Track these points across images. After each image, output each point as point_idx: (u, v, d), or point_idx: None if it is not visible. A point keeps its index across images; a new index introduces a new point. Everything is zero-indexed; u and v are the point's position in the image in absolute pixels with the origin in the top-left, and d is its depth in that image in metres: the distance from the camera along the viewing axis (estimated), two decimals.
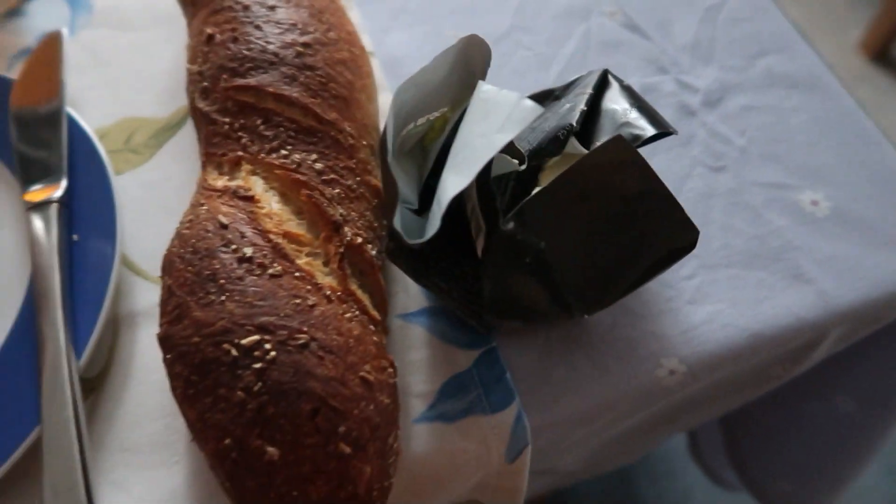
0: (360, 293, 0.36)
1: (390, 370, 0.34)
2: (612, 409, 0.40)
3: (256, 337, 0.32)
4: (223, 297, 0.33)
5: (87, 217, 0.42)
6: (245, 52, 0.40)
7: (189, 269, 0.34)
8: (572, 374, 0.39)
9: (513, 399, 0.38)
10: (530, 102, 0.31)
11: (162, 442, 0.38)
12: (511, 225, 0.30)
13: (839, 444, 0.59)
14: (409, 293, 0.41)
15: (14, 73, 0.48)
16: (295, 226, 0.36)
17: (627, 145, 0.31)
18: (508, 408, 0.38)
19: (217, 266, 0.34)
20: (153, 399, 0.39)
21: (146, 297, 0.42)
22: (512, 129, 0.30)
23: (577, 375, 0.39)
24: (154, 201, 0.45)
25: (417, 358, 0.39)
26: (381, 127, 0.44)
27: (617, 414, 0.41)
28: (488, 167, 0.33)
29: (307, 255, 0.35)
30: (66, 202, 0.42)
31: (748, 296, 0.41)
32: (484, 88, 0.33)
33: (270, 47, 0.40)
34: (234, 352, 0.31)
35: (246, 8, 0.42)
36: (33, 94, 0.47)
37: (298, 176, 0.37)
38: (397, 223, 0.31)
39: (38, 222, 0.41)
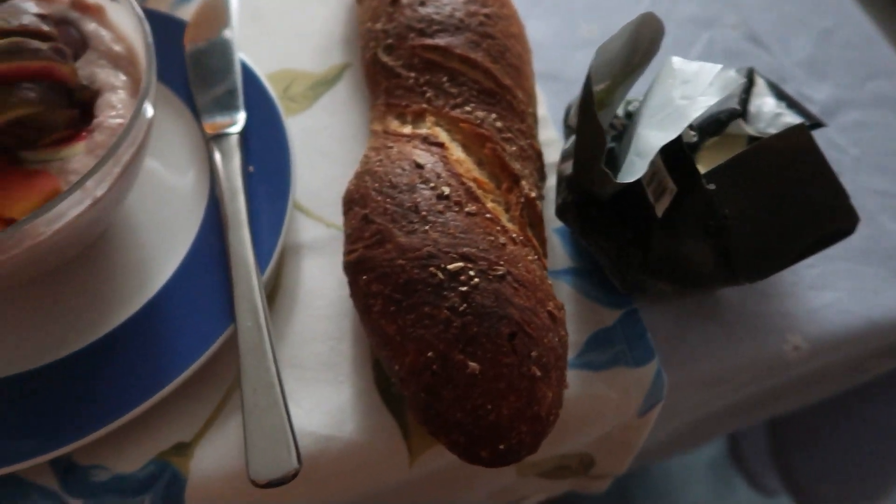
0: (535, 241, 0.39)
1: (563, 310, 0.38)
2: (737, 376, 0.43)
3: (461, 264, 0.35)
4: (426, 227, 0.36)
5: (261, 151, 0.45)
6: (434, 16, 0.44)
7: (389, 201, 0.37)
8: (705, 340, 0.42)
9: (653, 356, 0.41)
10: (732, 72, 0.35)
11: (328, 362, 0.40)
12: (712, 186, 0.34)
13: (891, 450, 0.63)
14: (555, 252, 0.45)
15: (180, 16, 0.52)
16: (478, 174, 0.40)
17: (807, 133, 0.35)
18: (649, 363, 0.41)
19: (418, 199, 0.37)
20: (319, 324, 0.42)
21: (308, 231, 0.45)
22: (715, 93, 0.34)
23: (709, 341, 0.42)
24: (312, 146, 0.48)
25: (566, 312, 0.42)
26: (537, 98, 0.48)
27: (739, 382, 0.44)
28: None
29: (491, 201, 0.39)
30: (243, 135, 0.45)
31: (865, 286, 0.44)
32: (676, 60, 0.37)
33: (457, 14, 0.44)
34: (440, 275, 0.35)
35: None
36: (206, 34, 0.50)
37: (483, 131, 0.41)
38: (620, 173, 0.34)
39: (219, 151, 0.44)
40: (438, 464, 0.40)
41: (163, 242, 0.42)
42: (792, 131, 0.35)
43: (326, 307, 0.42)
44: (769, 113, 0.42)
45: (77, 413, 0.36)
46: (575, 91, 0.51)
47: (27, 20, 0.35)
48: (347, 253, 0.38)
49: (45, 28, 0.35)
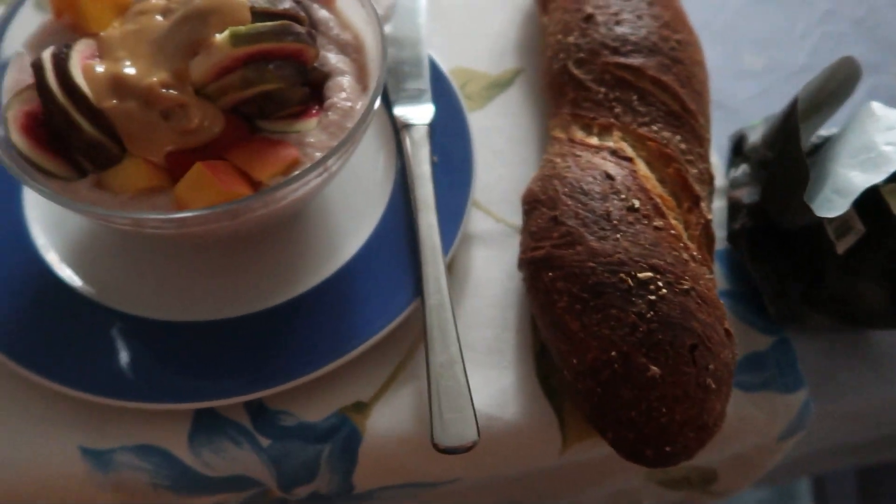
0: (711, 262, 0.41)
1: (731, 329, 0.40)
2: (879, 416, 0.44)
3: (650, 274, 0.37)
4: (618, 235, 0.39)
5: (445, 143, 0.48)
6: (629, 37, 0.46)
7: (580, 206, 0.40)
8: (856, 378, 0.44)
9: (803, 385, 0.43)
10: None
11: (494, 348, 0.43)
12: None
13: None
14: (714, 274, 0.47)
15: None
16: (662, 191, 0.42)
17: None
18: (798, 391, 0.43)
19: (610, 208, 0.40)
20: (486, 311, 0.45)
21: (479, 223, 0.48)
22: None
23: (859, 379, 0.44)
24: (484, 144, 0.51)
25: None
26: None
27: (878, 421, 0.45)
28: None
29: (673, 219, 0.41)
30: (431, 127, 0.49)
31: None
32: (877, 105, 0.39)
33: (652, 37, 0.46)
34: (630, 282, 0.37)
35: None
36: (397, 27, 0.53)
37: (668, 151, 0.43)
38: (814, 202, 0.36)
39: (410, 140, 0.47)
40: (586, 456, 0.42)
41: (353, 218, 0.46)
42: None
43: (493, 296, 0.45)
44: None
45: (272, 363, 0.40)
46: (736, 120, 0.53)
47: (288, 5, 0.38)
48: (532, 249, 0.41)
49: (301, 13, 0.39)
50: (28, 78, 0.39)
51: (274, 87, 0.38)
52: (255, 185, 0.37)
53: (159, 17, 0.39)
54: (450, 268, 0.46)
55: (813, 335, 0.45)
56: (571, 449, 0.41)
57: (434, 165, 0.47)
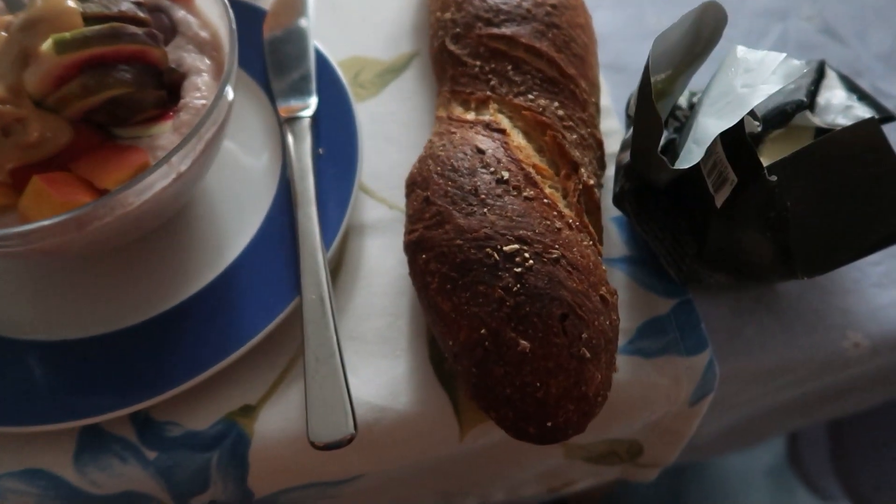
0: (591, 228, 0.40)
1: (615, 296, 0.38)
2: (793, 371, 0.43)
3: (516, 246, 0.36)
4: (485, 210, 0.37)
5: (331, 134, 0.47)
6: (501, 6, 0.45)
7: (450, 184, 0.39)
8: (761, 333, 0.42)
9: (706, 346, 0.41)
10: (797, 61, 0.34)
11: (386, 337, 0.42)
12: (774, 178, 0.34)
13: None
14: (612, 241, 0.45)
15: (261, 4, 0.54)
16: (538, 160, 0.41)
17: (878, 129, 0.34)
18: (701, 353, 0.41)
19: (478, 183, 0.38)
20: (378, 300, 0.44)
21: (371, 212, 0.47)
22: (778, 81, 0.34)
23: (765, 335, 0.42)
24: (379, 131, 0.50)
25: (619, 298, 0.43)
26: (601, 88, 0.48)
27: (795, 378, 0.44)
28: (740, 124, 0.36)
29: (549, 187, 0.40)
30: (315, 119, 0.48)
31: None
32: (741, 49, 0.37)
33: (525, 4, 0.45)
34: (496, 256, 0.36)
35: None
36: (284, 22, 0.52)
37: (544, 118, 0.41)
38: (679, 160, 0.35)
39: (292, 133, 0.46)
40: (488, 439, 0.41)
41: (236, 218, 0.45)
42: (862, 125, 0.34)
43: (386, 285, 0.44)
44: (839, 105, 0.41)
45: (154, 373, 0.39)
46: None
47: (125, 7, 0.38)
48: (408, 233, 0.40)
49: (141, 14, 0.38)
50: None
51: (121, 92, 0.37)
52: (101, 194, 0.36)
53: (3, 33, 0.38)
54: (341, 260, 0.45)
55: (717, 294, 0.44)
56: (470, 434, 0.40)
57: (320, 158, 0.46)
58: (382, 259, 0.45)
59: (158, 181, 0.36)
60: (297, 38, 0.51)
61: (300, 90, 0.49)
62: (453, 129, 0.42)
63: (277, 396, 0.40)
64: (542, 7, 0.45)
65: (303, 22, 0.52)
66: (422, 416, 0.40)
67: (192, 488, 0.39)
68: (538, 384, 0.34)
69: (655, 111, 0.36)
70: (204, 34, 0.42)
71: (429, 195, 0.39)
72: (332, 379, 0.37)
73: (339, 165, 0.46)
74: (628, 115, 0.47)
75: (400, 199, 0.47)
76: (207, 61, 0.41)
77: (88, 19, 0.37)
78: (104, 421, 0.39)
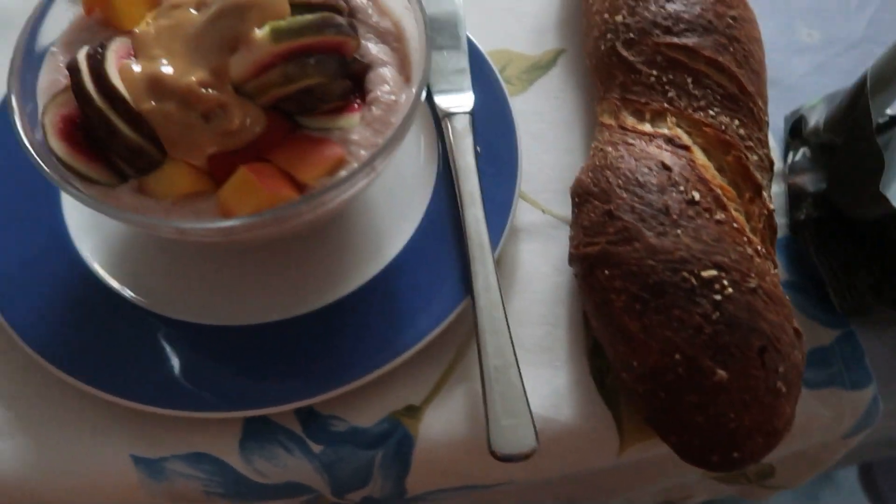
0: (774, 255, 0.39)
1: (800, 328, 0.38)
2: None
3: (713, 272, 0.35)
4: (678, 231, 0.37)
5: (488, 132, 0.46)
6: (682, 14, 0.43)
7: (637, 200, 0.38)
8: None
9: (870, 381, 0.41)
10: None
11: (545, 346, 0.42)
12: None
13: None
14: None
15: None
16: (721, 181, 0.40)
17: None
18: (866, 388, 0.41)
19: (668, 202, 0.38)
20: (536, 307, 0.43)
21: (523, 215, 0.46)
22: None
23: None
24: (526, 130, 0.49)
25: None
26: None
27: None
28: None
29: (734, 210, 0.39)
30: (473, 114, 0.47)
31: None
32: None
33: (706, 14, 0.43)
34: (693, 280, 0.35)
35: None
36: (432, 7, 0.51)
37: (727, 137, 0.41)
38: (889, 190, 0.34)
39: (452, 130, 0.45)
40: (644, 456, 0.41)
41: (396, 214, 0.44)
42: None
43: (543, 292, 0.44)
44: None
45: (321, 368, 0.39)
46: (791, 98, 0.50)
47: None
48: (585, 245, 0.40)
49: (341, 2, 0.37)
50: (63, 79, 0.38)
51: (315, 82, 0.36)
52: (300, 187, 0.35)
53: (193, 11, 0.37)
54: (497, 263, 0.44)
55: (880, 329, 0.43)
56: (629, 450, 0.40)
57: (477, 156, 0.45)
58: (537, 265, 0.45)
59: (361, 179, 0.35)
60: (449, 26, 0.50)
61: (457, 84, 0.48)
62: (630, 141, 0.41)
63: (441, 398, 0.40)
64: (723, 19, 0.44)
65: (451, 7, 0.51)
66: (583, 430, 0.40)
67: (354, 484, 0.40)
68: (732, 415, 0.34)
69: (875, 145, 0.35)
70: (385, 23, 0.41)
71: (612, 209, 0.39)
72: (513, 391, 0.37)
73: (499, 165, 0.45)
74: (799, 138, 0.46)
75: (553, 203, 0.47)
76: (390, 52, 0.40)
77: (294, 6, 0.36)
78: (271, 413, 0.39)
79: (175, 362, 0.40)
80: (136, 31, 0.36)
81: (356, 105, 0.38)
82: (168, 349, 0.40)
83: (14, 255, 0.42)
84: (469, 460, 0.39)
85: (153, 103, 0.34)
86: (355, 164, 0.36)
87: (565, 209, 0.46)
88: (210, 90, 0.34)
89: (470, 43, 0.50)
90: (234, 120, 0.35)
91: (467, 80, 0.48)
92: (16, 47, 0.37)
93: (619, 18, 0.46)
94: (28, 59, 0.37)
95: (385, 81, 0.38)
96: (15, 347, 0.40)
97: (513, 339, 0.39)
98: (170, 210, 0.35)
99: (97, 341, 0.40)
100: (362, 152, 0.36)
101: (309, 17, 0.34)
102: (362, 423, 0.39)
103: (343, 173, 0.35)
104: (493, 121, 0.47)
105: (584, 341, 0.42)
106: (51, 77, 0.38)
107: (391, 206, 0.44)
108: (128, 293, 0.41)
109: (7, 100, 0.35)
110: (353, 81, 0.39)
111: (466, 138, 0.45)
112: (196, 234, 0.34)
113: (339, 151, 0.36)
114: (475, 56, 0.49)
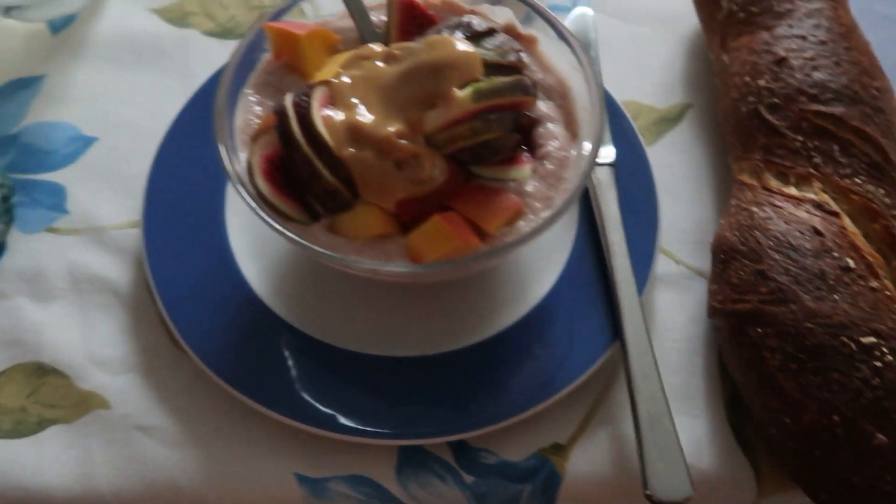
0: None
1: None
2: None
3: (873, 339, 0.37)
4: (835, 296, 0.38)
5: (626, 183, 0.48)
6: (828, 84, 0.45)
7: (791, 263, 0.40)
8: None
9: None
10: None
11: (683, 394, 0.44)
12: None
13: None
14: None
15: None
16: (869, 248, 0.41)
17: None
18: None
19: (824, 267, 0.39)
20: (674, 356, 0.45)
21: (659, 265, 0.48)
22: None
23: None
24: (659, 182, 0.50)
25: None
26: None
27: None
28: None
29: (884, 278, 0.41)
30: (615, 165, 0.49)
31: None
32: None
33: (853, 85, 0.45)
34: (851, 346, 0.37)
35: (820, 42, 0.47)
36: None
37: (874, 205, 0.42)
38: None
39: (598, 179, 0.48)
40: None
41: (541, 257, 0.46)
42: None
43: (680, 341, 0.45)
44: None
45: (472, 403, 0.42)
46: None
47: (513, 57, 0.39)
48: (733, 301, 0.41)
49: (525, 62, 0.40)
50: (254, 118, 0.41)
51: (495, 136, 0.39)
52: (482, 235, 0.38)
53: (381, 64, 0.40)
54: None
55: None
56: (766, 500, 0.42)
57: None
58: (673, 314, 0.46)
59: (542, 231, 0.37)
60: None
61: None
62: (777, 203, 0.43)
63: (587, 438, 0.42)
64: (868, 90, 0.45)
65: (592, 62, 0.53)
66: (721, 478, 0.42)
67: None
68: (888, 478, 0.36)
69: None
70: (549, 80, 0.43)
71: (764, 269, 0.41)
72: (668, 438, 0.39)
73: (639, 216, 0.47)
74: None
75: (686, 254, 0.49)
76: (555, 108, 0.42)
77: (485, 66, 0.38)
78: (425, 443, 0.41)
79: (337, 388, 0.42)
80: (334, 81, 0.39)
81: (523, 157, 0.41)
82: (331, 375, 0.42)
83: (187, 278, 0.45)
84: (615, 500, 0.41)
85: (352, 150, 0.37)
86: (532, 216, 0.38)
87: (698, 261, 0.48)
88: (405, 141, 0.37)
89: (606, 94, 0.52)
90: (425, 169, 0.37)
91: (608, 132, 0.50)
92: (219, 90, 0.40)
93: (761, 83, 0.48)
94: (230, 100, 0.40)
95: (555, 137, 0.41)
96: (189, 363, 0.43)
97: (664, 388, 0.40)
98: (360, 250, 0.37)
99: (265, 362, 0.43)
100: (537, 204, 0.39)
101: (506, 80, 0.37)
102: (512, 457, 0.41)
103: (523, 224, 0.38)
104: (632, 172, 0.49)
105: (720, 391, 0.44)
106: (244, 117, 0.41)
107: (538, 248, 0.46)
108: (290, 318, 0.44)
109: (215, 139, 0.38)
110: (521, 134, 0.41)
111: (611, 190, 0.47)
112: (388, 275, 0.37)
113: (517, 202, 0.38)
114: (612, 108, 0.51)
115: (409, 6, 0.43)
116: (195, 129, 0.49)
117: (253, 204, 0.37)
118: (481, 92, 0.36)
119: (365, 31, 0.44)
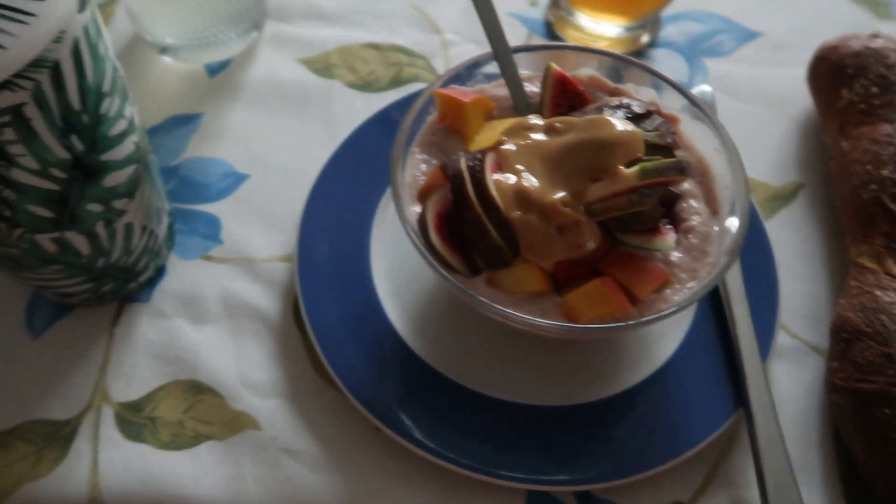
0: None
1: None
2: None
3: None
4: None
5: (746, 255, 0.51)
6: None
7: None
8: None
9: None
10: None
11: (799, 466, 0.45)
12: None
13: None
14: None
15: None
16: None
17: None
18: None
19: None
20: (790, 428, 0.47)
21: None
22: None
23: None
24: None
25: None
26: None
27: None
28: None
29: None
30: None
31: None
32: None
33: None
34: None
35: None
36: None
37: None
38: None
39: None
40: None
41: (666, 321, 0.49)
42: None
43: (796, 413, 0.47)
44: None
45: (598, 456, 0.44)
46: None
47: (670, 139, 0.42)
48: (857, 380, 0.43)
49: (678, 144, 0.43)
50: (420, 175, 0.45)
51: (646, 209, 0.42)
52: (633, 300, 0.40)
53: (542, 136, 0.43)
54: None
55: None
56: None
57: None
58: (789, 386, 0.48)
59: (694, 300, 0.40)
60: None
61: None
62: None
63: (707, 498, 0.44)
64: None
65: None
66: None
67: None
68: None
69: None
70: (689, 157, 0.47)
71: (892, 353, 0.43)
72: None
73: (760, 289, 0.50)
74: None
75: (801, 329, 0.51)
76: (696, 184, 0.46)
77: (646, 146, 0.41)
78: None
79: (471, 428, 0.45)
80: (501, 148, 0.43)
81: (664, 229, 0.43)
82: (465, 415, 0.45)
83: (337, 314, 0.48)
84: None
85: (519, 213, 0.40)
86: (678, 286, 0.41)
87: (813, 336, 0.50)
88: (568, 208, 0.40)
89: None
90: (586, 236, 0.40)
91: None
92: (394, 149, 0.44)
93: (884, 172, 0.50)
94: (404, 157, 0.44)
95: (697, 213, 0.44)
96: (332, 393, 0.46)
97: (790, 459, 0.42)
98: (518, 304, 0.40)
99: (404, 397, 0.45)
100: (682, 275, 0.42)
101: (668, 161, 0.40)
102: None
103: (671, 293, 0.41)
104: (752, 246, 0.52)
105: (836, 465, 0.46)
106: (412, 172, 0.45)
107: None
108: (429, 358, 0.47)
109: (394, 196, 0.42)
110: (664, 207, 0.45)
111: (735, 263, 0.50)
112: (544, 330, 0.40)
113: (666, 271, 0.41)
114: None
115: (563, 80, 0.47)
116: (343, 176, 0.54)
117: (428, 256, 0.40)
118: (647, 171, 0.40)
119: (519, 101, 0.48)
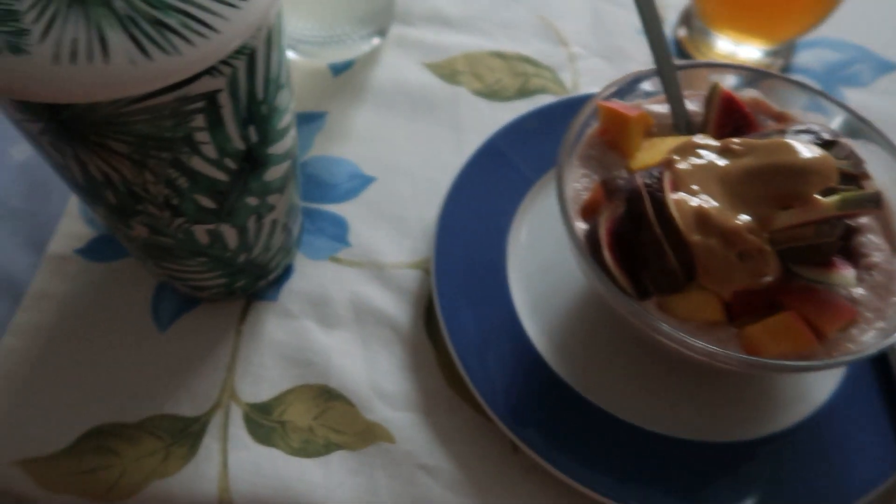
0: None
1: None
2: None
3: None
4: None
5: None
6: None
7: None
8: None
9: None
10: None
11: None
12: None
13: None
14: None
15: None
16: None
17: None
18: None
19: None
20: None
21: None
22: None
23: None
24: None
25: None
26: None
27: None
28: None
29: None
30: None
31: None
32: None
33: None
34: None
35: None
36: None
37: None
38: None
39: None
40: None
41: None
42: None
43: None
44: None
45: (750, 500, 0.41)
46: None
47: (861, 169, 0.40)
48: None
49: (867, 174, 0.41)
50: (582, 190, 0.43)
51: (828, 241, 0.39)
52: (819, 337, 0.38)
53: (716, 157, 0.41)
54: None
55: None
56: None
57: None
58: None
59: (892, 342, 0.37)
60: None
61: None
62: None
63: None
64: None
65: None
66: None
67: None
68: None
69: None
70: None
71: None
72: None
73: None
74: None
75: None
76: (873, 218, 0.43)
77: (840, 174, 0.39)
78: None
79: (614, 455, 0.42)
80: (678, 168, 0.41)
81: (840, 264, 0.41)
82: (608, 442, 0.43)
83: (476, 328, 0.46)
84: None
85: (699, 236, 0.38)
86: (864, 325, 0.39)
87: None
88: (752, 235, 0.38)
89: None
90: (769, 264, 0.38)
91: None
92: (561, 161, 0.42)
93: None
94: (566, 171, 0.42)
95: (878, 248, 0.41)
96: (467, 409, 0.45)
97: None
98: (693, 332, 0.38)
99: (545, 416, 0.43)
100: (868, 314, 0.39)
101: (868, 192, 0.38)
102: None
103: (857, 332, 0.38)
104: None
105: None
106: (573, 186, 0.43)
107: None
108: (568, 378, 0.45)
109: (563, 213, 0.40)
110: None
111: None
112: (724, 360, 0.37)
113: (853, 308, 0.39)
114: None
115: (730, 101, 0.45)
116: (478, 184, 0.52)
117: (601, 275, 0.38)
118: (847, 201, 0.37)
119: (680, 119, 0.46)
